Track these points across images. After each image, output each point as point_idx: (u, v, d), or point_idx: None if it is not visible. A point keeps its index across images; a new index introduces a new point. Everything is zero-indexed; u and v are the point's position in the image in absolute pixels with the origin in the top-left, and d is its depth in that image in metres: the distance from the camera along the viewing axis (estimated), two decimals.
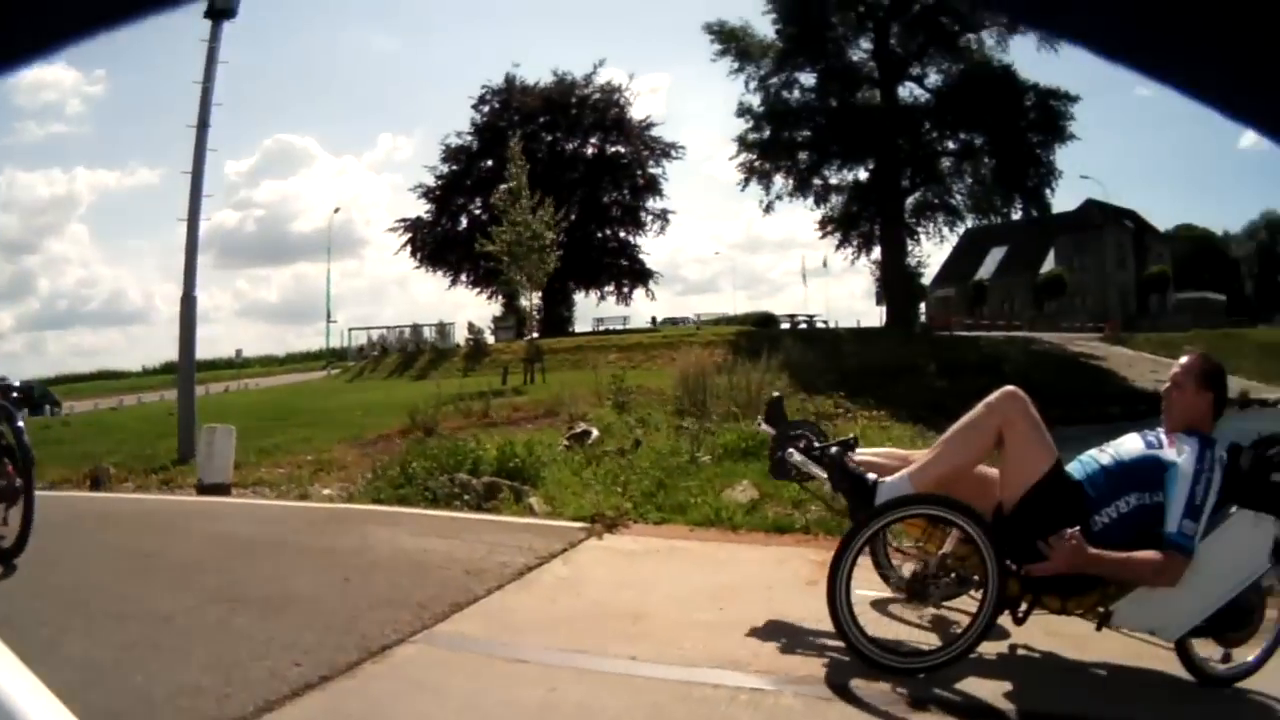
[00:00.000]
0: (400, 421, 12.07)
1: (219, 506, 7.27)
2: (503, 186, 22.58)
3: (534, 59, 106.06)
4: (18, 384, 25.90)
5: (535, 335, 24.14)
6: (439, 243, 42.22)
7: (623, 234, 44.56)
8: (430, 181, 42.97)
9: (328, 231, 64.87)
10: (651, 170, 44.14)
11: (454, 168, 42.69)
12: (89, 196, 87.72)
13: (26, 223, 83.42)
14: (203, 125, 12.03)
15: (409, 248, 43.04)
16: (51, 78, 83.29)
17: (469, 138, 42.90)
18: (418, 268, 43.52)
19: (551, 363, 22.20)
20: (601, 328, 41.22)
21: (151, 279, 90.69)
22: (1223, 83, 0.32)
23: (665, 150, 43.87)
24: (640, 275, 44.42)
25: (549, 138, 42.65)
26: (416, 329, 37.39)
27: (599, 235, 42.84)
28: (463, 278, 42.35)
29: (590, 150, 43.98)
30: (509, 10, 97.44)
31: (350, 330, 43.18)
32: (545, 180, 28.32)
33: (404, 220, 43.53)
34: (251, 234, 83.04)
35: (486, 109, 43.02)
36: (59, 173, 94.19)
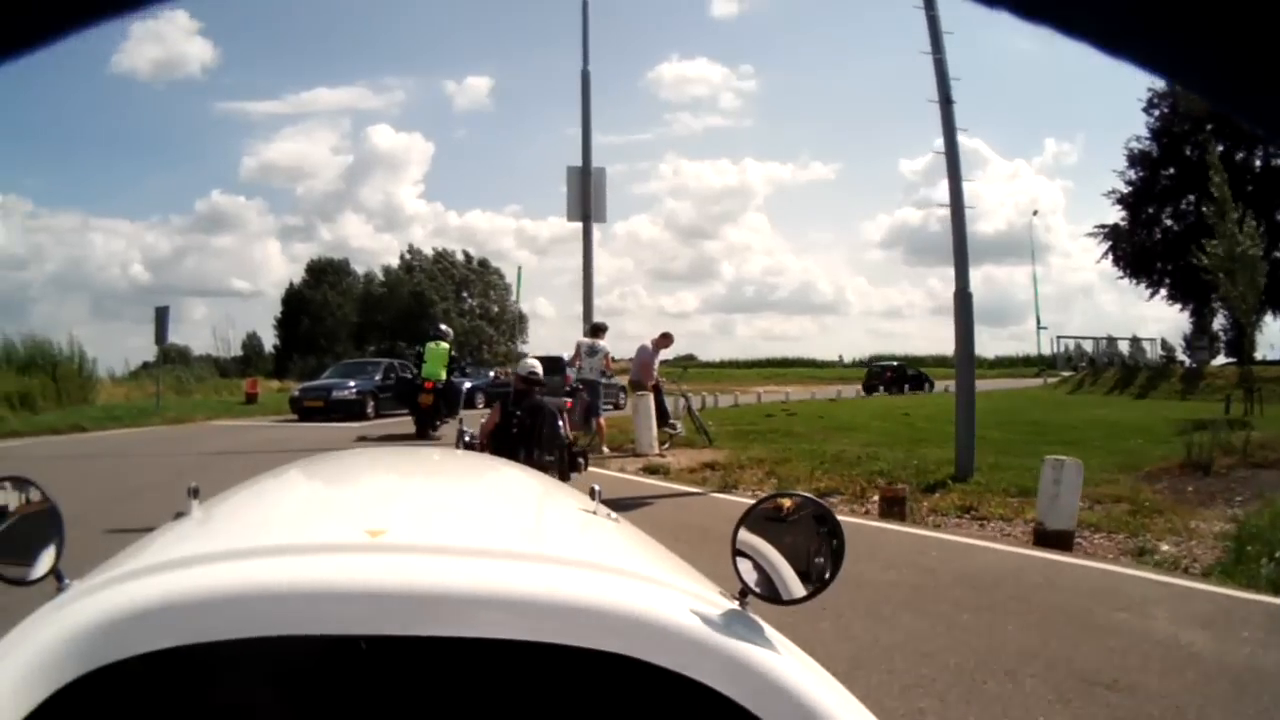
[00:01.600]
0: (1167, 450, 10.99)
1: (1097, 577, 5.84)
2: (1190, 196, 20.31)
3: None
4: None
5: (1242, 361, 20.92)
6: (1138, 252, 38.16)
7: None
8: (1121, 187, 38.87)
9: (1025, 233, 62.73)
10: None
11: (1140, 173, 38.24)
12: (763, 188, 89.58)
13: (701, 210, 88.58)
14: (946, 101, 10.34)
15: (1109, 255, 39.44)
16: (695, 73, 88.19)
17: (1148, 143, 38.09)
18: (1120, 278, 39.77)
19: (1265, 392, 18.79)
20: None
21: (839, 271, 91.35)
22: (1224, 82, 0.30)
23: None
24: None
25: (1220, 147, 36.49)
26: (1113, 342, 35.02)
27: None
28: (1161, 291, 37.97)
29: (1257, 162, 36.71)
30: None
31: (1059, 339, 42.08)
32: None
33: (1102, 227, 39.87)
34: (936, 233, 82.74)
35: (1156, 114, 38.07)
36: (728, 164, 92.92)
